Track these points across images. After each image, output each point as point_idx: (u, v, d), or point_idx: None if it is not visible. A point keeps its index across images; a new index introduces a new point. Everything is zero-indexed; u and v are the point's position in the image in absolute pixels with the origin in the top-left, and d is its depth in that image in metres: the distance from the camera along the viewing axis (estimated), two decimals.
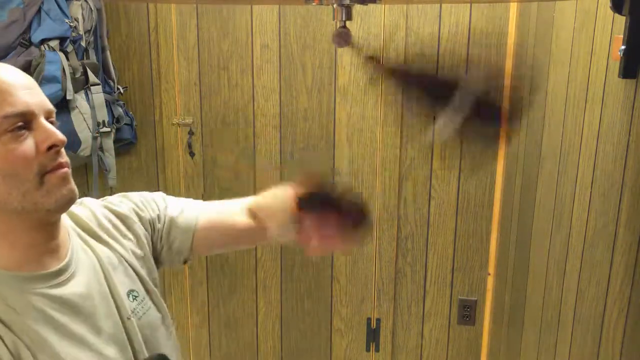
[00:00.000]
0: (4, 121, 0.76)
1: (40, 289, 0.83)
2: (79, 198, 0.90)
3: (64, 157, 0.82)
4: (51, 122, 0.83)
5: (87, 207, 0.99)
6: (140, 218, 1.03)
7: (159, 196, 1.10)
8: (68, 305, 0.85)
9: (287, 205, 0.99)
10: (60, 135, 0.81)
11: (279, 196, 1.06)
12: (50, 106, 0.83)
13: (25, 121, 0.78)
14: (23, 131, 0.78)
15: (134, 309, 0.95)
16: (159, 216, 1.06)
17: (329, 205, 0.97)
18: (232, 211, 1.12)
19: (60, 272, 0.86)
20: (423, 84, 0.88)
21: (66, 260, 0.87)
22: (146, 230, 1.04)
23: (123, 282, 0.95)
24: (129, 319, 0.93)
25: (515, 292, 2.00)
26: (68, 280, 0.87)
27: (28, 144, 0.78)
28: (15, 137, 0.77)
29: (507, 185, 2.12)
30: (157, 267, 1.06)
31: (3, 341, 0.77)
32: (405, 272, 2.32)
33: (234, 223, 1.10)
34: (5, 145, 0.76)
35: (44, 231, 0.85)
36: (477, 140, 0.91)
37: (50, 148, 0.80)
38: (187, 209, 1.09)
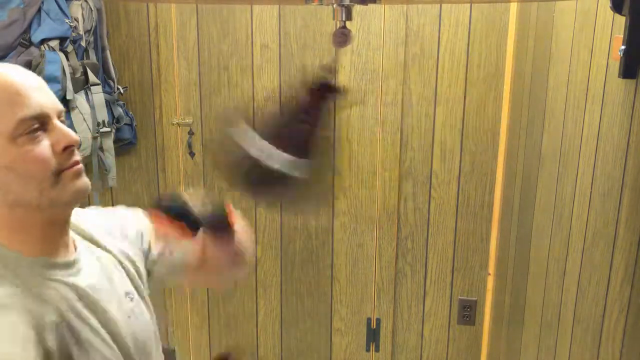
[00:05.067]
0: (21, 124, 0.77)
1: (59, 277, 0.84)
2: None
3: (77, 156, 0.85)
4: (61, 122, 0.84)
5: (80, 215, 1.01)
6: (130, 226, 1.07)
7: (140, 211, 1.14)
8: (85, 296, 0.86)
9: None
10: (75, 136, 0.83)
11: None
12: (61, 106, 0.85)
13: (41, 123, 0.80)
14: (39, 133, 0.79)
15: (132, 309, 0.97)
16: (147, 231, 1.09)
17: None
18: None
19: (74, 263, 0.88)
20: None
21: (75, 254, 0.89)
22: (137, 236, 1.07)
23: (122, 283, 0.97)
24: (129, 317, 0.95)
25: (515, 292, 2.00)
26: (80, 271, 0.88)
27: (44, 146, 0.80)
28: (31, 139, 0.78)
29: (507, 185, 2.12)
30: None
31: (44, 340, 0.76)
32: (405, 272, 2.32)
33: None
34: (22, 147, 0.78)
35: (56, 226, 0.86)
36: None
37: (65, 149, 0.82)
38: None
